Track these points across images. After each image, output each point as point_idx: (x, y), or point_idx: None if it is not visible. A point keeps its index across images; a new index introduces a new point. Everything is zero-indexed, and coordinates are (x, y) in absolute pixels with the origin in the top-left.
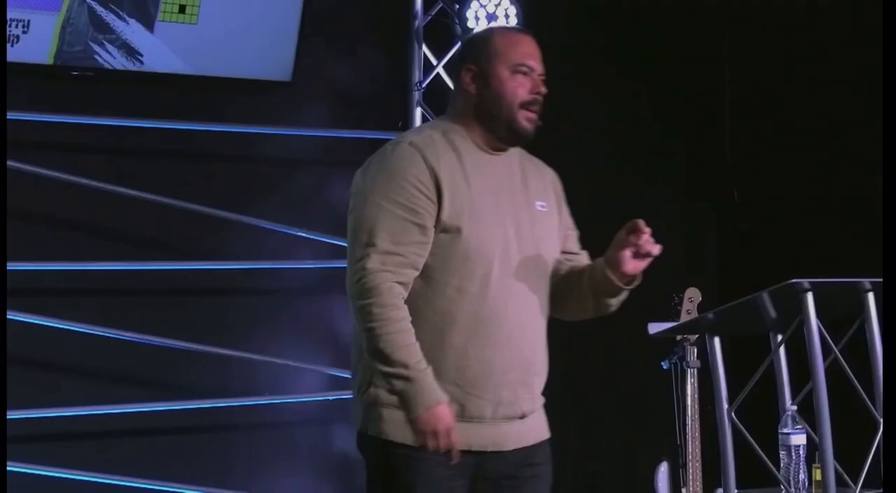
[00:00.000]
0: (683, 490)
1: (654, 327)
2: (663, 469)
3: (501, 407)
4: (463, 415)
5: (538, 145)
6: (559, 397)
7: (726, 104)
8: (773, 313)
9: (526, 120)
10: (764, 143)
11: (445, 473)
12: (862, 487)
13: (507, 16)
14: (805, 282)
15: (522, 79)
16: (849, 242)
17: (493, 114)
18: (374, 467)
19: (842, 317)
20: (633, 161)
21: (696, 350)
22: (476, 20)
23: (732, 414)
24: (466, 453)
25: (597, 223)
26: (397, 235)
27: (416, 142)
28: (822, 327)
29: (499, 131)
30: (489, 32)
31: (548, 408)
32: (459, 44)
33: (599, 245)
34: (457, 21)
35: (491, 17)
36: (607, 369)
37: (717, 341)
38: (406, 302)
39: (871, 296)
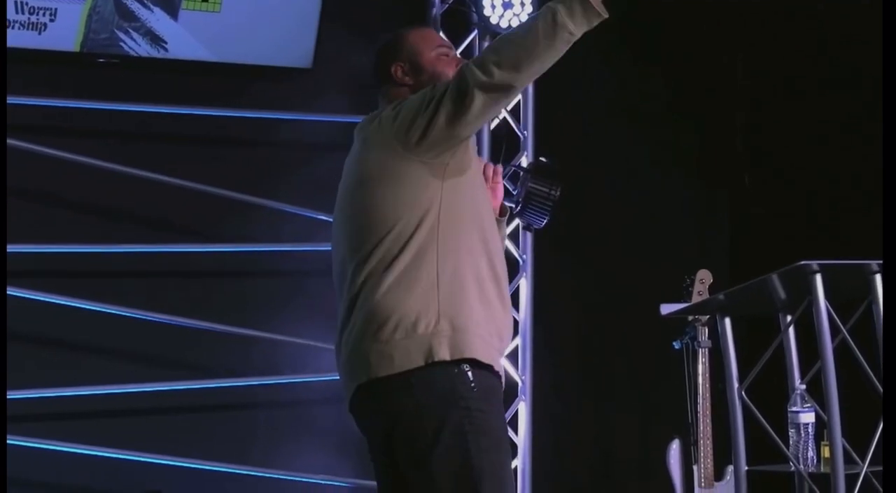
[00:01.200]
0: (695, 467)
1: (667, 308)
2: (675, 447)
3: None
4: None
5: (556, 129)
6: (575, 375)
7: (739, 92)
8: (782, 294)
9: None
10: (774, 129)
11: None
12: (869, 464)
13: (522, 3)
14: (814, 264)
15: (447, 59)
16: (857, 225)
17: None
18: (451, 407)
19: (850, 298)
20: (648, 147)
21: (707, 330)
22: (492, 8)
23: (743, 393)
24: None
25: (613, 206)
26: None
27: None
28: (830, 308)
29: None
30: (400, 34)
31: (563, 387)
32: (377, 54)
33: (615, 226)
34: (474, 9)
35: (507, 4)
36: (621, 348)
37: (727, 321)
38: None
39: (878, 278)
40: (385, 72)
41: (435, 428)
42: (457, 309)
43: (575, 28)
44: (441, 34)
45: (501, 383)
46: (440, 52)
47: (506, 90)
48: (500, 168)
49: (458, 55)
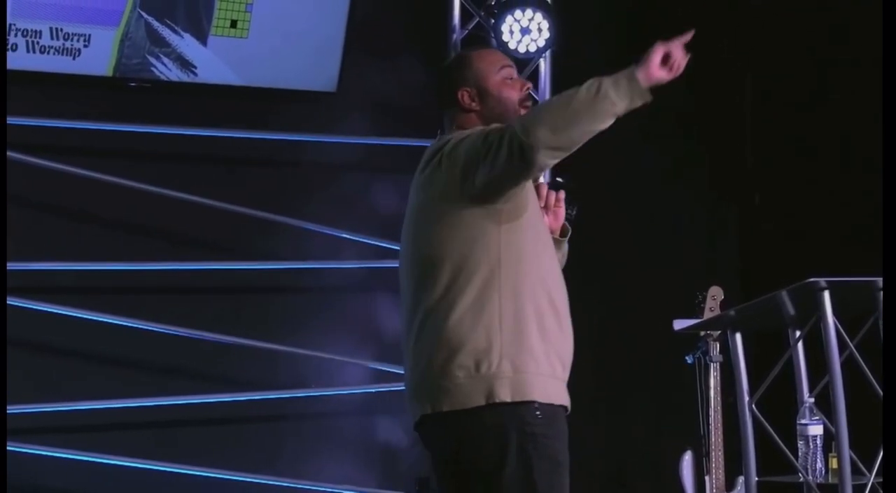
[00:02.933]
0: (707, 478)
1: (680, 324)
2: (688, 458)
3: None
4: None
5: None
6: (590, 389)
7: (748, 110)
8: (791, 310)
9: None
10: (784, 147)
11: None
12: (876, 475)
13: (539, 29)
14: (822, 281)
15: (511, 83)
16: (865, 241)
17: (503, 118)
18: (516, 431)
19: (857, 313)
20: (660, 166)
21: (718, 345)
22: (511, 33)
23: (753, 406)
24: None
25: (627, 223)
26: None
27: None
28: (838, 323)
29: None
30: (465, 57)
31: (579, 400)
32: (441, 76)
33: (630, 243)
34: (492, 35)
35: (525, 30)
36: (635, 363)
37: (738, 336)
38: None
39: (883, 295)
40: (450, 96)
41: (501, 450)
42: (518, 349)
43: (617, 98)
44: (500, 52)
45: (566, 409)
46: (504, 76)
47: (551, 152)
48: (562, 194)
49: (522, 78)
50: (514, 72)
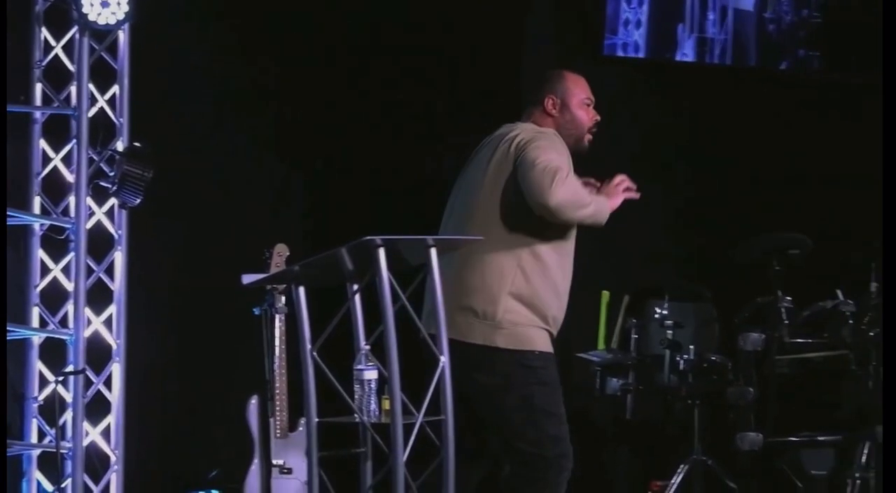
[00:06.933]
0: (271, 420)
1: (247, 278)
2: (254, 403)
3: None
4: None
5: (151, 117)
6: (167, 339)
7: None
8: (350, 265)
9: (588, 140)
10: (344, 120)
11: None
12: (424, 415)
13: (118, 3)
14: (377, 239)
15: (587, 109)
16: (414, 204)
17: (570, 132)
18: (512, 370)
19: (408, 269)
20: (236, 136)
21: (284, 298)
22: (91, 6)
23: (314, 353)
24: None
25: (203, 185)
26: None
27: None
28: (391, 277)
29: (570, 141)
30: (564, 73)
31: (156, 349)
32: (540, 79)
33: (205, 203)
34: (73, 7)
35: (104, 3)
36: (208, 314)
37: (301, 290)
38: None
39: (433, 251)
40: (539, 97)
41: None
42: None
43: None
44: (587, 84)
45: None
46: (584, 102)
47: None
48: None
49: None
50: (591, 103)
